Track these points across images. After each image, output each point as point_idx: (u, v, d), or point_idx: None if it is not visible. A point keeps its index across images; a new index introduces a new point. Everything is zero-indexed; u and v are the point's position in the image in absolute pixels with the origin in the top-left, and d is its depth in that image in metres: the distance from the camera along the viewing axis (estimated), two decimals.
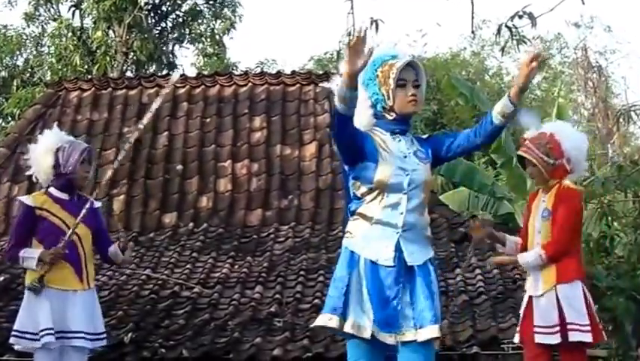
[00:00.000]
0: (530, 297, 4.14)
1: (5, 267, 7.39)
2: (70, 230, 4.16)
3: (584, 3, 5.33)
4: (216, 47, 16.35)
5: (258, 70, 14.55)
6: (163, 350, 6.30)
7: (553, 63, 20.83)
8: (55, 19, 16.23)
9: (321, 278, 7.41)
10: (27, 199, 4.30)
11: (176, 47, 16.36)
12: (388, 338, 2.91)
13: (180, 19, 16.13)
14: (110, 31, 15.39)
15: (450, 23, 30.82)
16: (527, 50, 3.09)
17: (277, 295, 7.11)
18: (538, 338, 4.05)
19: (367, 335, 2.90)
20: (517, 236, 4.34)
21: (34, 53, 16.70)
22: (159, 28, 16.11)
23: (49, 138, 4.34)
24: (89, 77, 12.53)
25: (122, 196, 9.11)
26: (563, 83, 19.81)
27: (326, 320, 2.94)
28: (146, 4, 15.32)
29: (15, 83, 15.71)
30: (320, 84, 9.89)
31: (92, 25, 15.46)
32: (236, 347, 6.31)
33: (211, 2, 16.29)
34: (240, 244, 8.36)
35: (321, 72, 11.28)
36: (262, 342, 6.33)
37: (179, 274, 7.69)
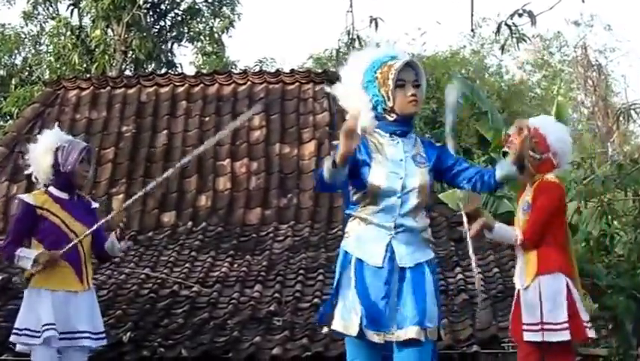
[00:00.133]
0: (519, 290, 4.12)
1: (3, 266, 7.37)
2: (76, 240, 4.17)
3: (583, 1, 5.33)
4: (215, 46, 16.33)
5: (257, 68, 14.54)
6: (162, 350, 6.29)
7: (553, 62, 20.81)
8: (53, 18, 16.20)
9: (320, 277, 7.40)
10: (28, 198, 4.29)
11: (175, 45, 16.33)
12: (375, 337, 2.93)
13: (179, 18, 16.10)
14: (109, 30, 15.36)
15: (450, 21, 30.82)
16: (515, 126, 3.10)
17: (276, 294, 7.10)
18: (526, 336, 4.02)
19: (354, 332, 2.92)
20: None
21: (33, 51, 16.67)
22: (158, 26, 16.08)
23: (48, 138, 4.34)
24: (88, 75, 12.51)
25: (121, 195, 9.09)
26: (563, 82, 19.82)
27: (327, 322, 3.01)
28: (145, 2, 15.29)
29: (13, 82, 15.68)
30: (321, 85, 9.90)
31: (91, 24, 15.43)
32: (235, 346, 6.29)
33: (210, 1, 16.27)
34: (239, 243, 8.34)
35: (320, 71, 11.28)
36: (261, 341, 6.32)
37: (178, 273, 7.68)
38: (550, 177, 4.14)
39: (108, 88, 10.30)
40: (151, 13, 15.73)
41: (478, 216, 3.91)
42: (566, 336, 3.94)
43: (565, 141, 4.23)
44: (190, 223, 8.79)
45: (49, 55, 15.80)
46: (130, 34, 15.10)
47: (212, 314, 6.82)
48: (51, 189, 4.26)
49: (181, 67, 15.95)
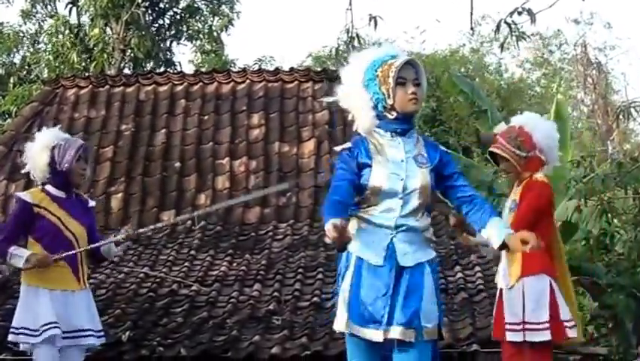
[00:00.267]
0: (501, 290, 4.10)
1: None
2: (78, 250, 4.16)
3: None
4: (214, 44, 16.30)
5: (256, 67, 14.50)
6: (161, 349, 6.27)
7: (553, 60, 20.80)
8: (52, 17, 16.16)
9: (319, 276, 7.39)
10: (25, 195, 4.28)
11: (174, 44, 16.31)
12: (374, 334, 2.92)
13: (178, 16, 16.08)
14: (108, 29, 15.34)
15: (449, 20, 30.81)
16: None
17: (276, 293, 7.08)
18: (509, 336, 4.00)
19: (342, 328, 2.95)
20: None
21: (31, 50, 16.63)
22: (157, 25, 16.05)
23: (45, 136, 4.34)
24: (86, 74, 12.49)
25: (119, 194, 9.09)
26: (563, 80, 19.79)
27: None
28: (144, 0, 15.27)
29: (12, 81, 15.65)
30: (320, 84, 9.88)
31: (89, 23, 15.40)
32: (234, 345, 6.28)
33: None
34: (238, 242, 8.33)
35: (319, 69, 11.27)
36: (261, 340, 6.30)
37: (177, 272, 7.66)
38: (539, 176, 4.10)
39: (107, 87, 10.28)
40: (150, 11, 15.71)
41: (462, 224, 3.83)
42: (546, 336, 3.91)
43: (551, 138, 4.21)
44: (189, 222, 8.77)
45: (47, 53, 15.76)
46: (129, 32, 15.07)
47: (211, 313, 6.80)
48: (48, 187, 4.26)
49: (180, 65, 15.93)
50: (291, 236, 8.36)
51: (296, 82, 10.15)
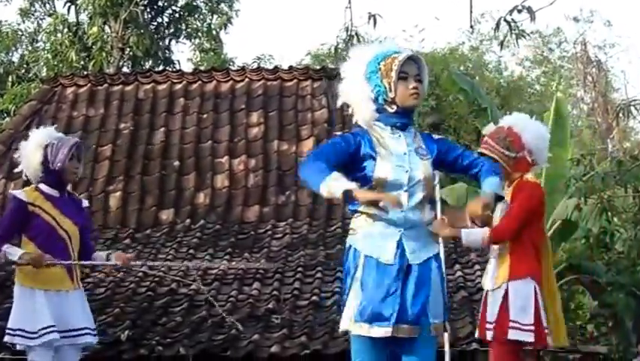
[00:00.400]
0: (487, 292, 4.09)
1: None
2: (72, 262, 4.16)
3: None
4: (213, 43, 16.27)
5: (255, 65, 14.49)
6: (160, 348, 6.26)
7: (553, 58, 20.77)
8: (50, 15, 16.13)
9: (319, 275, 7.37)
10: (20, 194, 4.26)
11: (173, 42, 16.28)
12: (382, 331, 2.92)
13: (177, 15, 16.04)
14: (106, 27, 15.31)
15: (448, 17, 30.79)
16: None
17: (275, 292, 7.07)
18: (489, 335, 3.99)
19: (349, 328, 2.95)
20: None
21: (30, 48, 16.60)
22: (155, 23, 16.02)
23: (38, 135, 4.34)
24: (85, 72, 12.48)
25: (118, 193, 9.06)
26: (562, 78, 19.76)
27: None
28: None
29: (10, 79, 15.62)
30: (319, 82, 9.86)
31: (88, 21, 15.37)
32: (233, 344, 6.27)
33: None
34: (237, 241, 8.31)
35: (318, 67, 11.25)
36: (260, 339, 6.29)
37: (177, 270, 7.64)
38: (530, 176, 4.08)
39: (105, 85, 10.26)
40: (148, 9, 15.67)
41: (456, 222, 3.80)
42: (530, 338, 3.90)
43: (540, 138, 4.18)
44: (188, 221, 8.76)
45: (46, 52, 15.73)
46: (127, 31, 15.04)
47: (210, 312, 6.79)
48: (42, 186, 4.25)
49: (179, 64, 15.90)
50: (290, 235, 8.34)
51: (295, 80, 10.12)
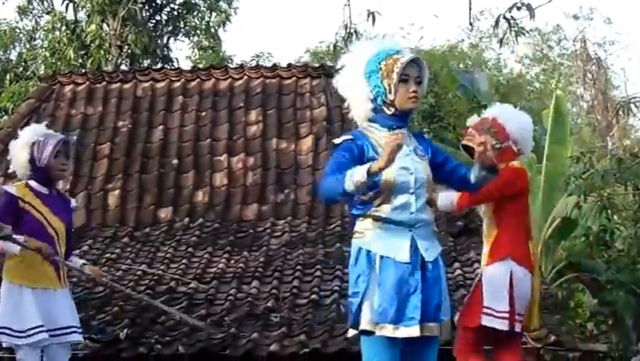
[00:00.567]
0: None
1: None
2: (61, 261, 4.14)
3: None
4: (211, 40, 16.24)
5: (254, 63, 14.44)
6: (159, 346, 6.24)
7: (552, 55, 20.75)
8: (48, 13, 16.09)
9: (317, 273, 7.36)
10: (11, 188, 4.25)
11: (171, 40, 16.24)
12: (410, 331, 2.90)
13: (175, 12, 16.00)
14: (104, 25, 15.27)
15: (447, 15, 30.75)
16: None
17: (274, 291, 7.05)
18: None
19: (371, 328, 2.90)
20: None
21: (28, 46, 16.57)
22: (154, 21, 15.98)
23: (26, 132, 4.33)
24: (83, 70, 12.42)
25: (117, 191, 9.04)
26: (562, 75, 19.74)
27: (355, 327, 2.96)
28: None
29: (8, 78, 15.59)
30: (318, 80, 9.83)
31: (86, 19, 15.34)
32: (232, 342, 6.25)
33: None
34: (236, 239, 8.29)
35: (317, 65, 11.21)
36: (259, 338, 6.28)
37: (175, 269, 7.63)
38: (515, 163, 4.07)
39: (104, 83, 10.23)
40: (147, 7, 15.63)
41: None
42: (504, 326, 3.87)
43: (525, 128, 4.17)
44: (187, 219, 8.74)
45: (44, 50, 15.70)
46: (125, 28, 15.01)
47: (209, 311, 6.77)
48: (31, 182, 4.24)
49: (177, 62, 15.87)
50: (289, 233, 8.32)
51: (294, 78, 10.10)
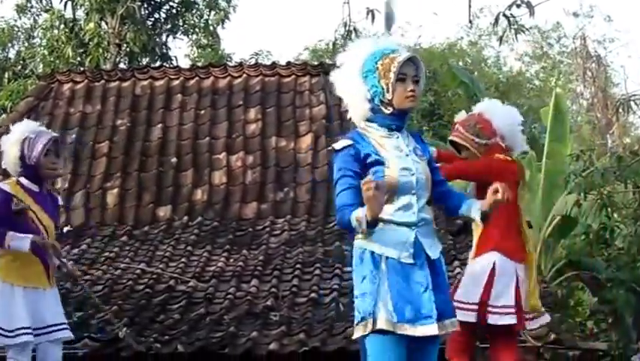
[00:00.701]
0: None
1: None
2: (55, 256, 4.12)
3: None
4: (210, 38, 16.22)
5: (253, 61, 14.43)
6: (158, 345, 6.22)
7: (552, 53, 20.74)
8: (47, 11, 16.07)
9: (317, 271, 7.34)
10: (4, 186, 4.23)
11: (170, 38, 16.23)
12: (428, 330, 2.89)
13: (174, 10, 15.98)
14: (103, 23, 15.25)
15: (447, 12, 30.74)
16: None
17: (273, 289, 7.04)
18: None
19: (407, 331, 2.88)
20: None
21: (26, 45, 16.55)
22: (152, 19, 15.96)
23: (18, 129, 4.29)
24: (82, 69, 12.39)
25: (115, 189, 9.02)
26: (562, 73, 19.74)
27: (363, 328, 2.93)
28: None
29: (6, 76, 15.58)
30: (317, 78, 9.82)
31: (85, 17, 15.31)
32: (232, 341, 6.23)
33: None
34: (235, 238, 8.28)
35: (316, 63, 11.20)
36: (258, 336, 6.26)
37: (174, 268, 7.62)
38: (500, 155, 3.98)
39: (102, 81, 10.22)
40: (145, 5, 15.61)
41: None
42: (471, 318, 3.82)
43: (513, 123, 4.11)
44: (186, 218, 8.72)
45: (42, 48, 15.67)
46: (124, 27, 14.98)
47: (208, 310, 6.76)
48: (22, 180, 4.22)
49: (176, 60, 15.84)
50: (289, 231, 8.31)
51: (293, 76, 10.09)
